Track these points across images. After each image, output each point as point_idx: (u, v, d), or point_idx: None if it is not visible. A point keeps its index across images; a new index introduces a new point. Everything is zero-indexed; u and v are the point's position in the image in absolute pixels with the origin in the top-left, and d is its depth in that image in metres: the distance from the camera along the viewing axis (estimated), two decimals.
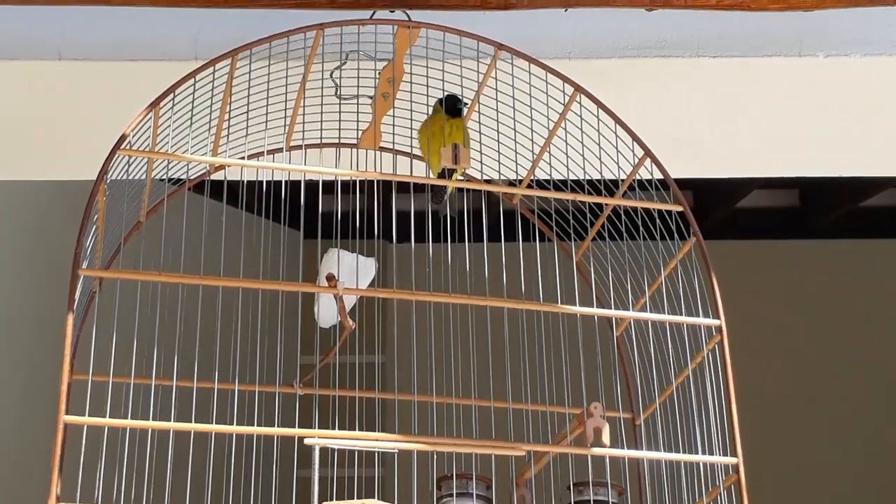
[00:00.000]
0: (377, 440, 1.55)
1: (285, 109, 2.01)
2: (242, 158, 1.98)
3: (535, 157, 2.04)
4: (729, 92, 2.39)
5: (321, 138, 2.09)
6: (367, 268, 1.97)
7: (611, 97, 1.94)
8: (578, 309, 1.79)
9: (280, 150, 2.15)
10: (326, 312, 1.95)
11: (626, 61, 2.27)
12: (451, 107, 1.99)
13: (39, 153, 2.41)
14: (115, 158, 1.71)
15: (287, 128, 2.05)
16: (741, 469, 1.67)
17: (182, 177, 1.96)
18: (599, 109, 1.89)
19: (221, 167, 2.06)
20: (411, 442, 1.55)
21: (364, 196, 2.04)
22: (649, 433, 1.99)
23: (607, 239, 2.00)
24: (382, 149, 2.17)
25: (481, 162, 2.09)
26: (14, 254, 3.22)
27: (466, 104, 2.00)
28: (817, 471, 4.55)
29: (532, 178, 2.06)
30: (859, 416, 4.63)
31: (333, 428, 1.62)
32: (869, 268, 4.75)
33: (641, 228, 1.88)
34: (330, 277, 1.65)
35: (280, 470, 1.65)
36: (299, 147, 2.15)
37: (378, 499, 1.56)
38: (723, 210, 4.47)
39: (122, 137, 1.70)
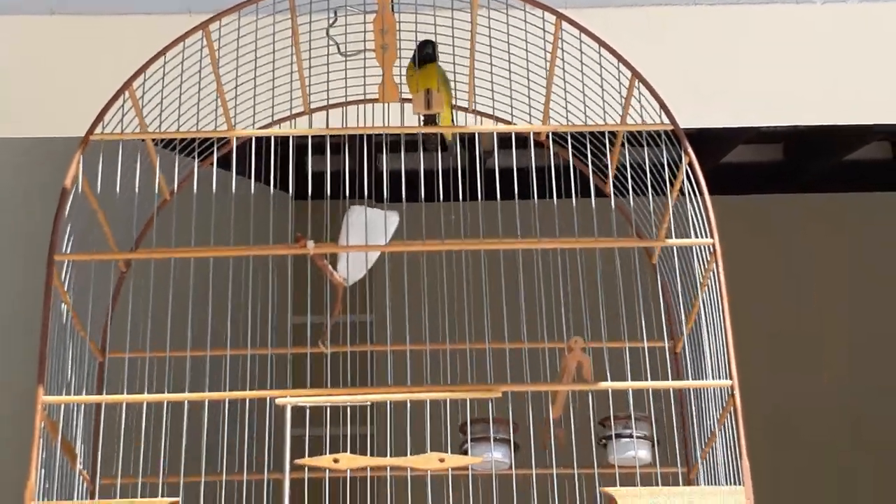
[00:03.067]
0: (348, 395, 1.55)
1: (291, 71, 2.03)
2: (256, 126, 2.04)
3: (545, 97, 2.01)
4: (725, 41, 2.29)
5: (327, 99, 2.10)
6: (384, 223, 1.98)
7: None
8: (616, 242, 1.75)
9: (301, 113, 2.18)
10: (352, 268, 1.97)
11: (621, 10, 2.19)
12: (419, 54, 1.97)
13: (33, 109, 2.36)
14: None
15: (294, 91, 2.06)
16: (736, 392, 1.60)
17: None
18: (582, 34, 1.83)
19: (241, 138, 2.08)
20: (381, 394, 1.55)
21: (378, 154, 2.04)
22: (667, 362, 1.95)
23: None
24: (404, 100, 2.17)
25: (493, 105, 2.07)
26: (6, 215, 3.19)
27: (435, 48, 1.97)
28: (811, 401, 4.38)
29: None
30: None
31: (327, 385, 1.64)
32: (856, 221, 4.53)
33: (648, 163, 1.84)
34: (298, 238, 1.67)
35: (275, 429, 1.68)
36: (322, 108, 2.18)
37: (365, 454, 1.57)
38: (709, 165, 4.30)
39: (98, 119, 1.74)
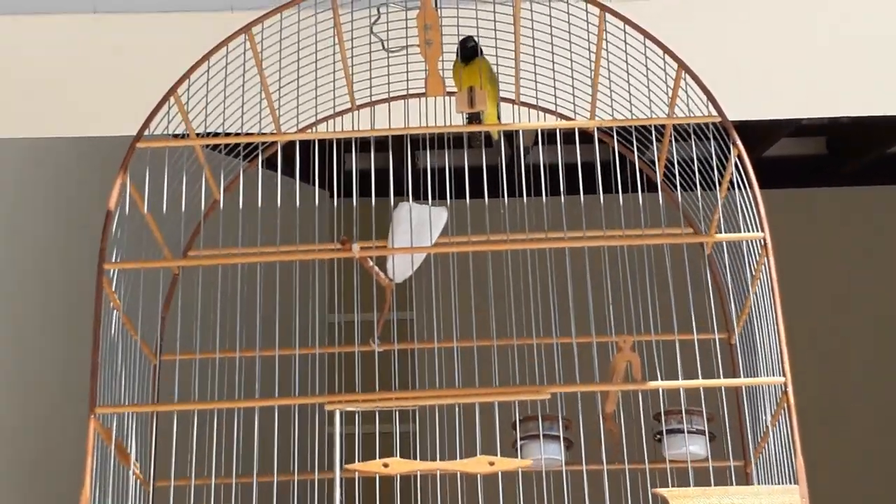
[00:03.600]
0: (396, 398, 1.55)
1: (333, 70, 2.02)
2: (300, 124, 2.04)
3: (592, 90, 1.99)
4: (771, 31, 2.24)
5: (370, 95, 2.09)
6: (438, 217, 1.97)
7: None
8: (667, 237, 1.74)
9: (347, 110, 2.17)
10: (399, 266, 1.96)
11: (669, 2, 2.15)
12: (462, 50, 1.96)
13: (76, 108, 2.35)
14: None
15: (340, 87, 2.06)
16: (790, 388, 1.58)
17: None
18: (627, 26, 1.81)
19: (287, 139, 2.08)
20: (430, 398, 1.55)
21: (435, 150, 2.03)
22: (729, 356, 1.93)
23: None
24: (450, 93, 2.15)
25: (537, 99, 2.05)
26: (50, 217, 3.15)
27: (477, 43, 1.96)
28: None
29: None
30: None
31: (371, 383, 1.64)
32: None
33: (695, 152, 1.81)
34: (344, 241, 1.66)
35: (321, 429, 1.68)
36: (366, 105, 2.18)
37: (411, 454, 1.57)
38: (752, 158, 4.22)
39: (143, 126, 1.75)
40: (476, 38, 1.96)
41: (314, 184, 1.83)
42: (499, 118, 2.01)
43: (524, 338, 1.84)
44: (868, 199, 4.53)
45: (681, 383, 1.62)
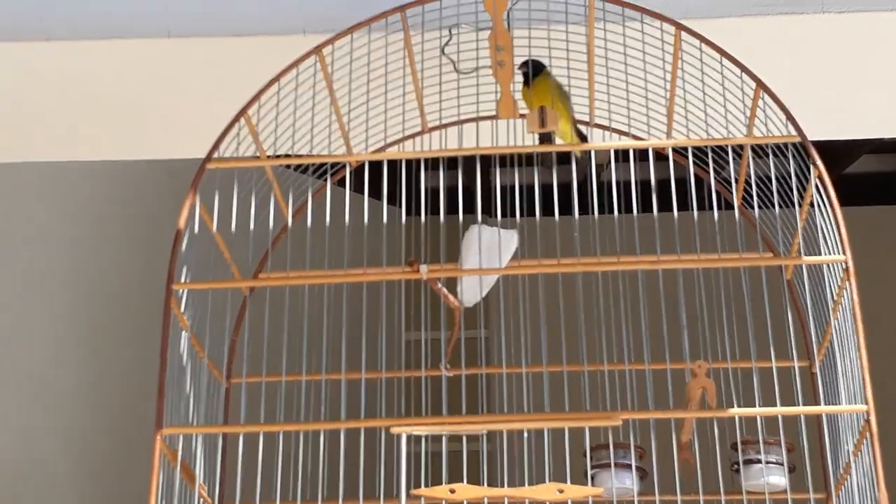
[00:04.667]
0: (463, 423, 1.52)
1: (403, 93, 2.01)
2: (373, 148, 2.03)
3: (667, 110, 1.95)
4: (851, 49, 2.18)
5: (439, 118, 2.07)
6: (509, 241, 1.95)
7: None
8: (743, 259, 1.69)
9: (419, 133, 2.16)
10: (469, 291, 1.94)
11: (745, 20, 2.11)
12: (525, 75, 1.93)
13: (150, 131, 2.37)
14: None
15: (412, 110, 2.05)
16: (872, 417, 1.52)
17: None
18: (703, 45, 1.77)
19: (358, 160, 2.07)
20: (497, 422, 1.51)
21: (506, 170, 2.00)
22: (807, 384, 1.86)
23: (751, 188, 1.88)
24: (523, 116, 2.13)
25: (610, 119, 2.02)
26: (126, 238, 3.19)
27: (532, 65, 1.93)
28: None
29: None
30: None
31: (439, 403, 1.62)
32: None
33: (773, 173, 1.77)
34: (412, 263, 1.64)
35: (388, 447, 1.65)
36: (437, 128, 2.16)
37: (479, 473, 1.54)
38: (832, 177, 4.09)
39: (214, 147, 1.74)
40: (531, 59, 1.93)
41: (380, 198, 1.80)
42: (579, 133, 1.98)
43: (595, 363, 1.80)
44: None
45: (758, 410, 1.56)
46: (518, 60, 1.99)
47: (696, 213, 1.81)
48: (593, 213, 1.88)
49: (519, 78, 2.01)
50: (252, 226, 1.87)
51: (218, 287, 1.74)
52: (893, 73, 2.24)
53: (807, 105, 1.80)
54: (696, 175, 1.98)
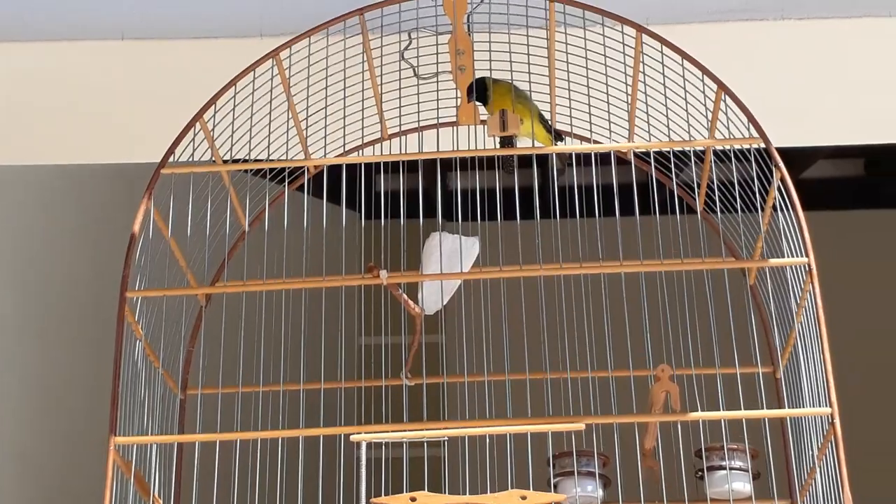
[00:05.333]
0: (424, 429, 1.49)
1: (362, 98, 1.98)
2: (332, 154, 2.00)
3: (629, 113, 1.94)
4: (812, 55, 2.19)
5: (399, 122, 2.04)
6: (470, 248, 1.92)
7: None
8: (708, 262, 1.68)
9: (378, 140, 2.13)
10: (430, 297, 1.91)
11: (706, 25, 2.10)
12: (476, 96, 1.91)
13: (104, 134, 2.32)
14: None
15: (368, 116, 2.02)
16: (836, 420, 1.51)
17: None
18: (664, 47, 1.76)
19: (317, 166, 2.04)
20: (459, 428, 1.49)
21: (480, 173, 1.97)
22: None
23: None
24: (483, 122, 2.11)
25: (571, 124, 2.00)
26: (71, 248, 3.12)
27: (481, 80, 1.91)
28: None
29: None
30: None
31: (400, 409, 1.59)
32: None
33: (736, 177, 1.76)
34: (371, 268, 1.61)
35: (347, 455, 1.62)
36: (397, 134, 2.13)
37: (440, 481, 1.51)
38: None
39: (169, 152, 1.71)
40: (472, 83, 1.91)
41: (338, 203, 1.78)
42: (550, 132, 1.95)
43: (558, 372, 1.78)
44: None
45: (722, 414, 1.55)
46: (479, 65, 1.97)
47: (658, 217, 1.79)
48: (556, 217, 1.86)
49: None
50: (208, 233, 1.83)
51: (173, 294, 1.70)
52: (850, 80, 2.24)
53: (766, 111, 1.79)
54: (658, 179, 1.97)
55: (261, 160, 1.89)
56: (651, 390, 1.58)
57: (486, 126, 1.97)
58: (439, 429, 1.50)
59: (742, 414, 1.56)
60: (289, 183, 2.01)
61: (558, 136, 1.99)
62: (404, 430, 1.50)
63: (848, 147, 4.07)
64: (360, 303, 2.07)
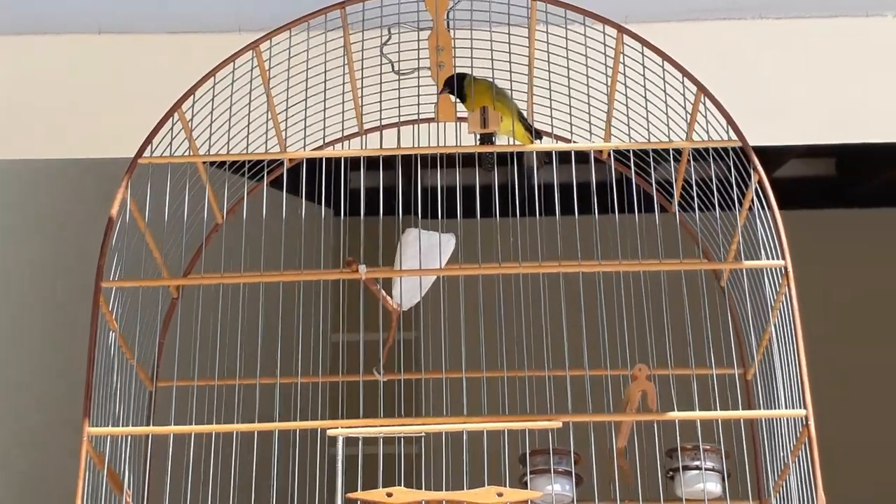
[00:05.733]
0: (402, 425, 1.49)
1: (343, 91, 1.97)
2: (308, 146, 1.99)
3: (607, 113, 1.94)
4: (789, 54, 2.20)
5: (379, 119, 2.04)
6: (446, 244, 1.92)
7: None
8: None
9: (356, 134, 2.12)
10: (406, 293, 1.91)
11: (685, 24, 2.11)
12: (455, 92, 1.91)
13: (81, 129, 2.31)
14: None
15: (347, 110, 2.01)
16: (811, 422, 1.52)
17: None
18: (645, 48, 1.76)
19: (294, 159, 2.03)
20: (437, 424, 1.48)
21: (443, 171, 1.97)
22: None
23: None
24: (461, 119, 2.11)
25: (552, 124, 2.00)
26: (44, 242, 3.11)
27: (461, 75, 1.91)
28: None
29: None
30: None
31: (376, 406, 1.59)
32: None
33: (714, 178, 1.76)
34: (350, 263, 1.61)
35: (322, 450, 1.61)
36: (375, 129, 2.12)
37: (414, 477, 1.51)
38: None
39: (146, 143, 1.70)
40: (451, 77, 1.91)
41: (316, 201, 1.77)
42: (530, 129, 1.95)
43: (534, 370, 1.78)
44: (878, 221, 4.46)
45: (698, 414, 1.55)
46: (460, 63, 1.97)
47: (636, 216, 1.80)
48: (536, 215, 1.87)
49: None
50: (185, 226, 1.82)
51: (148, 285, 1.69)
52: (826, 79, 2.26)
53: (741, 109, 1.80)
54: (637, 179, 1.97)
55: (236, 153, 1.88)
56: (627, 390, 1.59)
57: (467, 123, 1.98)
58: (416, 425, 1.49)
59: (717, 415, 1.56)
60: (263, 176, 2.01)
61: (537, 134, 1.99)
62: (381, 426, 1.49)
63: (820, 146, 4.10)
64: (340, 298, 2.06)
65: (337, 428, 1.49)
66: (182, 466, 1.66)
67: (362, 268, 1.61)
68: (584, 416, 1.56)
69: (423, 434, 1.50)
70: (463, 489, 1.53)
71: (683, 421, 1.65)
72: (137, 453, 1.77)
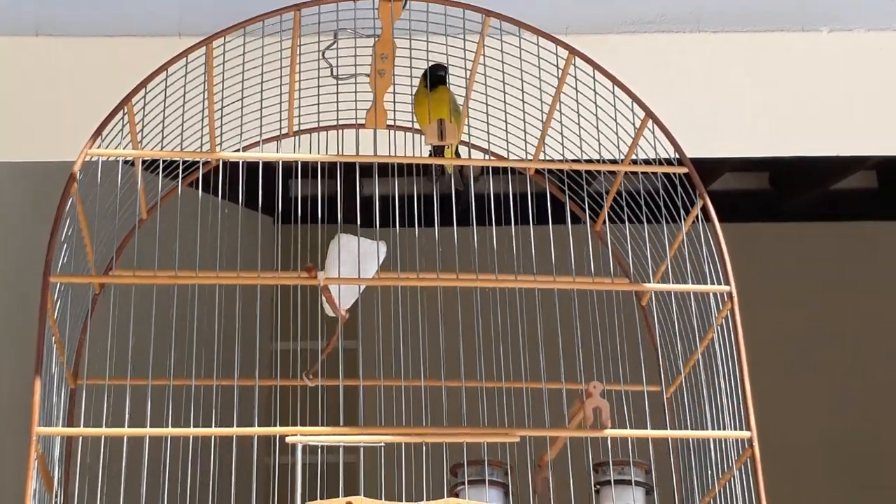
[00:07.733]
0: (361, 433, 1.49)
1: (280, 94, 1.96)
2: (238, 149, 1.97)
3: (542, 128, 1.97)
4: (725, 69, 2.28)
5: (317, 121, 2.03)
6: (375, 252, 1.92)
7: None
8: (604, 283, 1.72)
9: (286, 135, 2.10)
10: (344, 296, 1.89)
11: (622, 36, 2.16)
12: (433, 77, 1.92)
13: (15, 132, 2.26)
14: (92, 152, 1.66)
15: (281, 112, 2.00)
16: (755, 443, 1.57)
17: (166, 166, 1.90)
18: (596, 72, 1.80)
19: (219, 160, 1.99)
20: (396, 434, 1.49)
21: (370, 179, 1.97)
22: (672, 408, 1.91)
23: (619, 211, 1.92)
24: (389, 127, 2.11)
25: (489, 140, 2.02)
26: None
27: (447, 72, 1.93)
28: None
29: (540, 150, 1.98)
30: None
31: (317, 416, 1.58)
32: (839, 250, 4.60)
33: (653, 198, 1.80)
34: (309, 269, 1.60)
35: (256, 458, 1.59)
36: (303, 132, 2.11)
37: (362, 487, 1.50)
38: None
39: (95, 135, 1.66)
40: (446, 68, 1.92)
41: (252, 206, 1.75)
42: (456, 152, 1.97)
43: (475, 380, 1.79)
44: (809, 234, 4.57)
45: (649, 433, 1.59)
46: (399, 71, 1.97)
47: (570, 228, 1.83)
48: (472, 225, 1.88)
49: (402, 87, 1.99)
50: (117, 223, 1.78)
51: (98, 281, 1.65)
52: (761, 92, 2.32)
53: (678, 121, 1.84)
54: (562, 196, 2.01)
55: (168, 152, 1.84)
56: (582, 405, 1.61)
57: (392, 132, 1.98)
58: (378, 433, 1.49)
59: (668, 434, 1.61)
60: (191, 175, 1.97)
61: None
62: (342, 434, 1.48)
63: (753, 160, 4.20)
64: (293, 305, 2.04)
65: (296, 436, 1.47)
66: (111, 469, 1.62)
67: (321, 274, 1.59)
68: (541, 430, 1.59)
69: (383, 444, 1.49)
70: (402, 500, 1.53)
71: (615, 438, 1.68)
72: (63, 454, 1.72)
